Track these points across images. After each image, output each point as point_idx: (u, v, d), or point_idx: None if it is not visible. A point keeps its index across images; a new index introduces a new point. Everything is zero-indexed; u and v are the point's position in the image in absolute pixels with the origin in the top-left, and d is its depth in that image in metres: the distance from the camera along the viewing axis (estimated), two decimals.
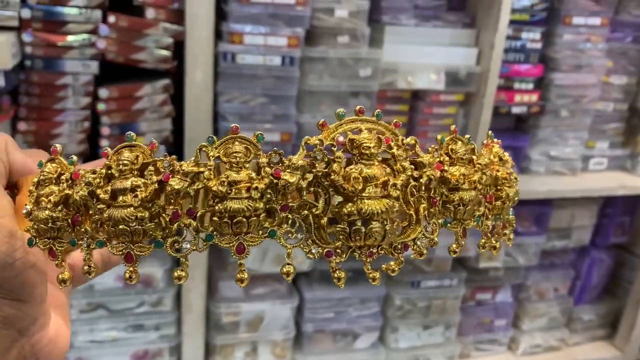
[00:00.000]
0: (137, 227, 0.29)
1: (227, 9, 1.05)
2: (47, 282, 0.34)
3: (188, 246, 0.30)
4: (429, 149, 0.33)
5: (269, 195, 0.29)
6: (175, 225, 0.30)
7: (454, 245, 0.34)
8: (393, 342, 1.44)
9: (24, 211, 0.32)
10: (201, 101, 1.04)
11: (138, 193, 0.29)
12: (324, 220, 0.30)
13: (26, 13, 0.96)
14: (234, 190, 0.29)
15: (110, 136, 1.05)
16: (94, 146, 1.07)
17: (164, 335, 1.25)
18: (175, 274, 0.30)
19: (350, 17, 1.11)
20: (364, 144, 0.30)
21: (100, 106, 1.03)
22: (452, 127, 0.34)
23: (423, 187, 0.32)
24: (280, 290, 1.33)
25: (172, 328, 1.25)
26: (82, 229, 0.31)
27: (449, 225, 0.33)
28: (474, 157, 0.34)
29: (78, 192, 0.30)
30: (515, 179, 0.37)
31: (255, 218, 0.29)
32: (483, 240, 0.35)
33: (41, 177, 0.32)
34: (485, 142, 0.37)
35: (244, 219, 0.29)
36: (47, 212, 0.30)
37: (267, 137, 1.13)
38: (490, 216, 0.35)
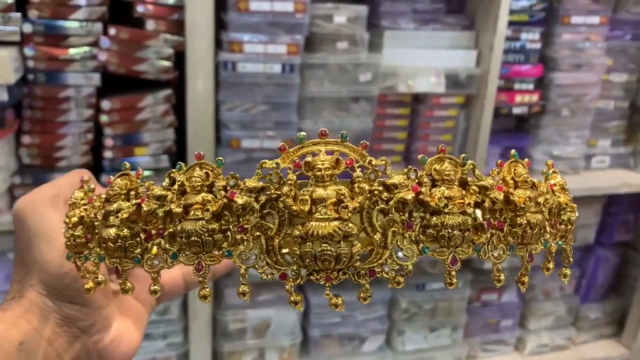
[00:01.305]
0: (207, 238, 0.31)
1: (227, 18, 1.05)
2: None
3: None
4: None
5: (226, 217, 0.31)
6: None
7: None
8: (400, 345, 1.44)
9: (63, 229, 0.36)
10: (203, 110, 1.05)
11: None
12: (276, 242, 0.31)
13: (28, 27, 0.97)
14: (191, 211, 0.31)
15: (114, 147, 1.05)
16: (98, 158, 1.07)
17: (171, 344, 1.25)
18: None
19: (349, 23, 1.12)
20: (317, 166, 0.30)
21: (103, 118, 1.04)
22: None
23: (393, 209, 0.31)
24: (286, 296, 1.33)
25: (180, 336, 1.25)
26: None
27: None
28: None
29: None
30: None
31: (209, 238, 0.31)
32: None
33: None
34: (499, 161, 0.36)
35: (199, 239, 0.31)
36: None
37: (269, 144, 1.13)
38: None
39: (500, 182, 0.33)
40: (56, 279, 0.37)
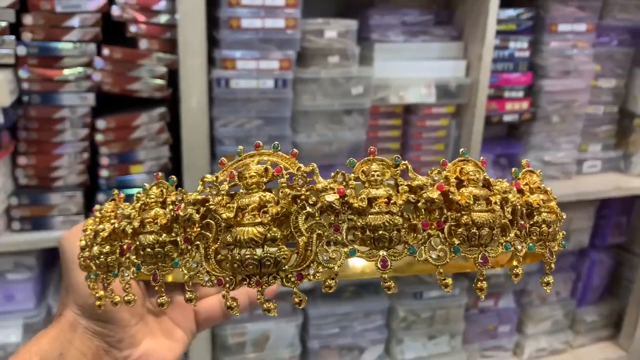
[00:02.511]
0: (158, 249, 0.33)
1: (219, 36, 1.07)
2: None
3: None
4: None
5: (175, 229, 0.33)
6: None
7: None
8: (399, 354, 1.44)
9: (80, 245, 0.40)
10: (197, 127, 1.06)
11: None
12: (212, 250, 0.32)
13: (22, 50, 0.98)
14: (146, 226, 0.34)
15: (110, 166, 1.06)
16: (94, 176, 1.08)
17: None
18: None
19: (339, 38, 1.14)
20: (244, 175, 0.32)
21: (99, 137, 1.05)
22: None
23: (318, 213, 0.31)
24: (285, 308, 1.34)
25: None
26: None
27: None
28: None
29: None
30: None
31: (160, 249, 0.33)
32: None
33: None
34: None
35: (152, 251, 0.33)
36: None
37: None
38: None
39: (442, 180, 0.32)
40: (84, 299, 0.42)
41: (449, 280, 0.31)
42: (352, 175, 0.32)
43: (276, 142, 0.33)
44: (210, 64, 1.08)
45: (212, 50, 1.08)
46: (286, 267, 0.31)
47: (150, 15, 1.02)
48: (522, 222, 0.34)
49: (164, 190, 0.35)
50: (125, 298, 0.35)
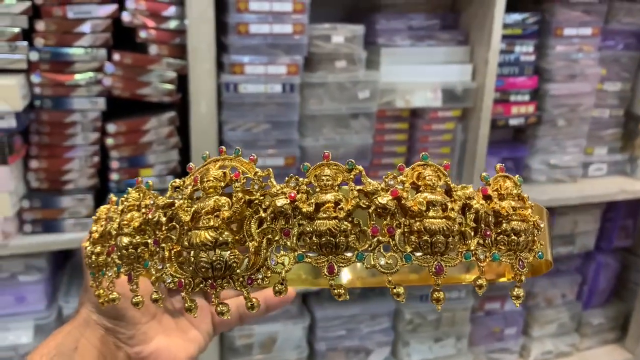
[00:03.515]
0: (132, 250, 0.35)
1: (227, 41, 1.08)
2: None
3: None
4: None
5: (148, 231, 0.34)
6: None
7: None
8: (405, 357, 1.45)
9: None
10: (206, 131, 1.07)
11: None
12: (174, 252, 0.33)
13: (34, 55, 0.99)
14: (123, 228, 0.35)
15: (120, 169, 1.08)
16: (104, 180, 1.10)
17: None
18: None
19: (346, 42, 1.15)
20: (204, 179, 0.33)
21: (109, 141, 1.06)
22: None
23: (269, 218, 0.31)
24: (292, 311, 1.35)
25: None
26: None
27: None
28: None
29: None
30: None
31: (133, 251, 0.34)
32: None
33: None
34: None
35: (126, 252, 0.34)
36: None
37: (271, 162, 1.16)
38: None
39: (397, 186, 0.31)
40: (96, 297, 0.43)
41: (400, 289, 0.30)
42: (305, 180, 0.31)
43: (237, 148, 0.35)
44: (219, 69, 1.09)
45: (220, 56, 1.09)
46: (238, 270, 0.31)
47: (160, 21, 1.03)
48: (487, 231, 0.32)
49: (142, 194, 0.36)
50: (111, 297, 0.36)
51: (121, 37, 1.04)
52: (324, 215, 0.30)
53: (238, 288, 0.31)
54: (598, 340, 1.68)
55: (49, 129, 1.04)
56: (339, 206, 0.30)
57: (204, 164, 0.34)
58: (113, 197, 0.40)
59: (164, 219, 0.33)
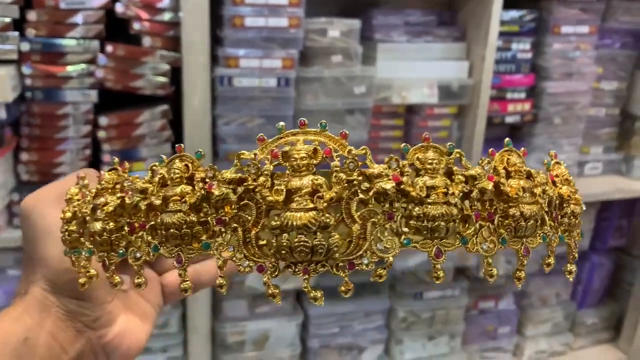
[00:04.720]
0: (186, 230, 0.30)
1: (222, 34, 1.07)
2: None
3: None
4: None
5: (205, 209, 0.30)
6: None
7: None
8: (398, 355, 1.44)
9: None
10: (200, 125, 1.06)
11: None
12: (253, 234, 0.30)
13: (25, 46, 0.98)
14: (170, 204, 0.30)
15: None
16: None
17: (171, 357, 1.25)
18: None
19: (342, 37, 1.14)
20: (293, 155, 0.30)
21: (101, 134, 1.05)
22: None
23: (373, 200, 0.29)
24: (285, 308, 1.34)
25: (179, 350, 1.26)
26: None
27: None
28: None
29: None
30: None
31: (188, 230, 0.30)
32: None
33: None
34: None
35: (177, 232, 0.30)
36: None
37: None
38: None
39: (491, 171, 0.31)
40: (58, 274, 0.38)
41: (495, 270, 0.31)
42: (406, 161, 0.30)
43: (323, 121, 0.31)
44: (214, 62, 1.08)
45: (215, 49, 1.08)
46: (337, 255, 0.29)
47: (153, 12, 1.02)
48: (555, 214, 0.33)
49: (190, 165, 0.31)
50: (136, 281, 0.32)
51: (114, 28, 1.03)
52: (434, 200, 0.29)
53: (337, 273, 0.29)
54: (592, 339, 1.68)
55: (39, 121, 1.03)
56: (450, 192, 0.30)
57: (279, 136, 0.31)
58: (118, 161, 0.35)
59: (234, 197, 0.30)
